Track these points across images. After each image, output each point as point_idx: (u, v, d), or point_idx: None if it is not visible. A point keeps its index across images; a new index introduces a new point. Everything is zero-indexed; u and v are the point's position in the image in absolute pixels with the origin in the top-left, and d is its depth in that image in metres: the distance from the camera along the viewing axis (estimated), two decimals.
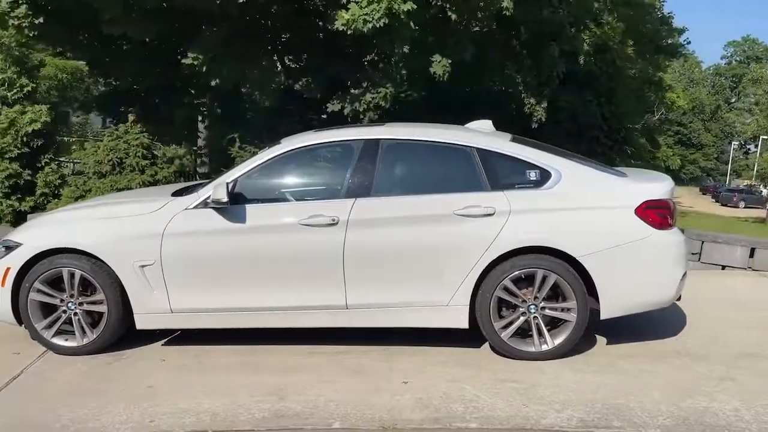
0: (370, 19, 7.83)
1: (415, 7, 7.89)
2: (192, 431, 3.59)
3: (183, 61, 8.28)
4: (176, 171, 9.63)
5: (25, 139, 9.65)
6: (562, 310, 4.43)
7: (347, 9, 7.93)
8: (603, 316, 4.48)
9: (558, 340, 4.45)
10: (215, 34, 8.29)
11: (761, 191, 50.30)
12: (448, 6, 8.21)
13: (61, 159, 10.05)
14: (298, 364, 4.45)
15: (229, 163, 9.09)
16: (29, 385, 4.19)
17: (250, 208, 4.49)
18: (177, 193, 4.80)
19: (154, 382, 4.19)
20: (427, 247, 4.40)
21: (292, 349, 4.69)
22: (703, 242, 6.97)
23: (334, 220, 4.39)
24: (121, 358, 4.57)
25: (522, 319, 4.45)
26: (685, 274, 4.59)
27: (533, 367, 4.38)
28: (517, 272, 4.39)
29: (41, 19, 8.54)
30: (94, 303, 4.54)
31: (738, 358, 4.56)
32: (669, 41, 23.90)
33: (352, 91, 8.61)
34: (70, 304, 4.54)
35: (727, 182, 67.00)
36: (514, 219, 4.39)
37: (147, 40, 8.73)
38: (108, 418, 3.71)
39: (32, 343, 4.70)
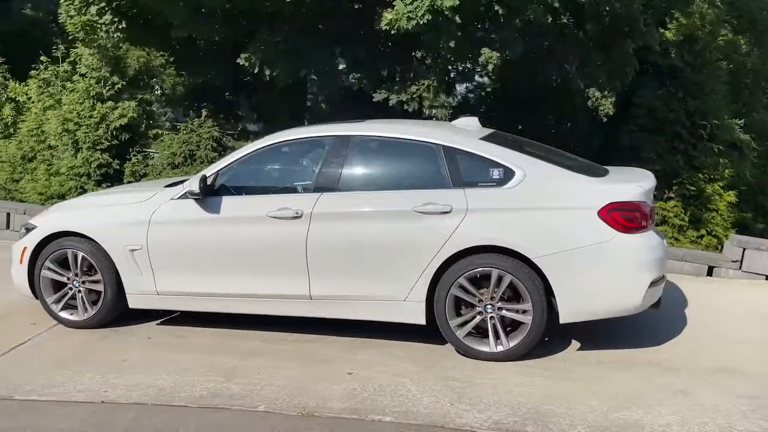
0: (414, 16, 7.88)
1: (458, 2, 7.87)
2: (134, 403, 3.92)
3: (238, 60, 8.76)
4: None
5: (114, 132, 10.56)
6: (519, 311, 4.37)
7: (392, 7, 8.04)
8: (562, 320, 4.37)
9: (513, 342, 4.39)
10: (268, 33, 8.70)
11: None
12: (495, 1, 8.10)
13: (147, 150, 10.89)
14: (264, 350, 4.68)
15: None
16: (28, 352, 4.71)
17: (226, 200, 4.78)
18: (170, 185, 5.18)
19: (130, 357, 4.59)
20: (386, 243, 4.49)
21: (268, 336, 4.92)
22: (744, 249, 6.48)
23: (297, 213, 4.58)
24: (114, 334, 5.01)
25: (478, 318, 4.43)
26: (656, 280, 4.37)
27: (486, 367, 4.36)
28: (472, 271, 4.38)
29: (124, 24, 9.35)
30: (93, 282, 5.02)
31: (712, 372, 4.28)
32: None
33: (396, 82, 8.74)
34: (74, 282, 5.04)
35: None
36: (471, 217, 4.38)
37: (216, 39, 9.30)
38: (72, 385, 4.12)
39: (49, 316, 5.26)
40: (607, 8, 9.37)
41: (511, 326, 4.44)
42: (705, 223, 10.40)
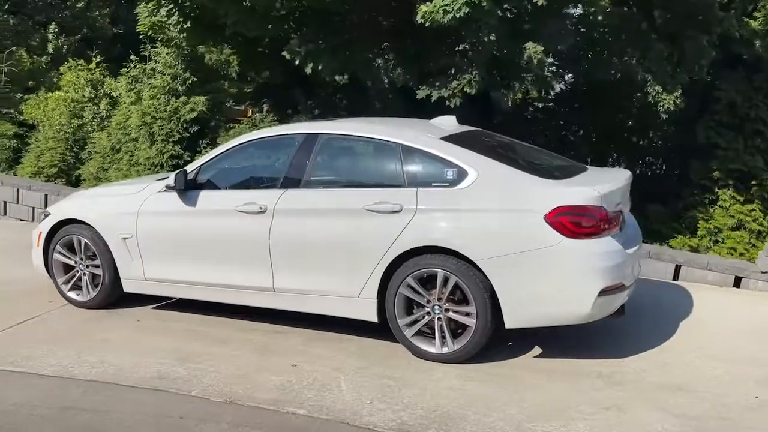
0: (450, 9, 7.82)
1: None
2: (89, 380, 4.24)
3: (283, 54, 9.06)
4: None
5: (185, 125, 11.24)
6: (465, 314, 4.32)
7: (430, 0, 8.01)
8: (507, 325, 4.28)
9: (458, 345, 4.35)
10: (315, 29, 8.92)
11: None
12: None
13: (216, 143, 11.51)
14: (232, 338, 4.89)
15: None
16: (32, 327, 5.18)
17: (204, 193, 5.04)
18: (162, 179, 5.51)
19: (111, 337, 4.96)
20: (340, 240, 4.58)
21: (245, 325, 5.12)
22: None
23: (262, 208, 4.76)
24: (110, 315, 5.41)
25: (427, 318, 4.43)
26: (610, 288, 4.17)
27: (429, 368, 4.35)
28: (419, 271, 4.38)
29: (188, 24, 9.94)
30: (95, 266, 5.44)
31: (662, 389, 4.04)
32: None
33: (438, 78, 8.68)
34: (80, 266, 5.50)
35: None
36: (420, 217, 4.37)
37: (269, 37, 9.66)
38: (48, 360, 4.50)
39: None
40: None
41: (461, 328, 4.40)
42: None
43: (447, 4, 7.86)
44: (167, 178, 5.42)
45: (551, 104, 11.16)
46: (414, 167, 4.55)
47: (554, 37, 8.60)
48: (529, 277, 4.18)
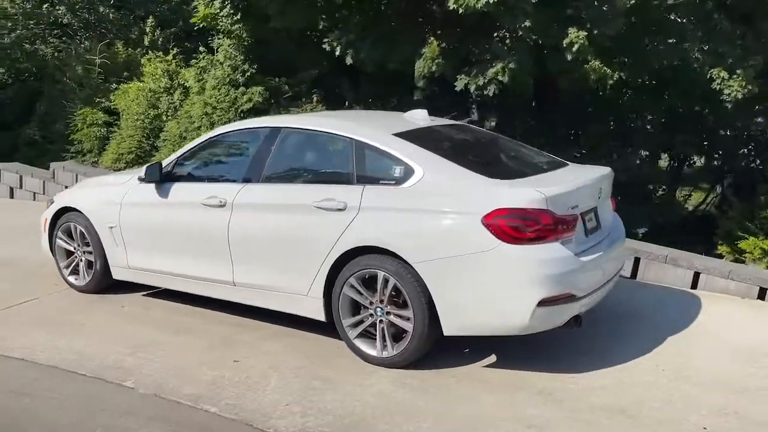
0: None
1: None
2: (49, 365, 4.36)
3: (323, 46, 9.04)
4: None
5: (242, 115, 11.52)
6: (404, 318, 4.14)
7: None
8: (445, 332, 4.06)
9: (398, 350, 4.19)
10: (356, 20, 8.83)
11: None
12: None
13: None
14: (195, 329, 4.93)
15: None
16: (26, 309, 5.44)
17: (176, 186, 5.11)
18: None
19: (89, 322, 5.14)
20: (290, 237, 4.51)
21: (213, 316, 5.12)
22: None
23: (222, 202, 4.77)
24: (102, 300, 5.60)
25: (370, 320, 4.29)
26: (554, 299, 3.86)
27: (369, 371, 4.21)
28: (361, 271, 4.24)
29: (239, 16, 10.16)
30: (89, 253, 5.69)
31: (600, 411, 3.71)
32: None
33: (475, 66, 8.35)
34: (78, 252, 5.77)
35: None
36: (363, 216, 4.23)
37: (314, 29, 9.70)
38: (21, 342, 4.71)
39: None
40: None
41: (404, 333, 4.23)
42: None
43: None
44: None
45: (608, 92, 10.51)
46: (364, 164, 4.40)
47: (599, 22, 8.04)
48: (465, 283, 3.94)
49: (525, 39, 8.16)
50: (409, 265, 4.04)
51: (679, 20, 8.90)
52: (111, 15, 20.24)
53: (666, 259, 5.95)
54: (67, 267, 5.84)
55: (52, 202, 5.98)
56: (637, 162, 10.56)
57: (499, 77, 8.25)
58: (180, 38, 17.71)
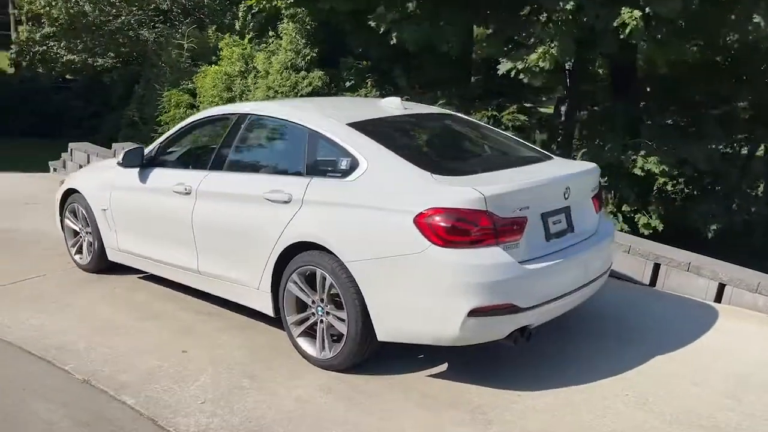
0: None
1: None
2: (8, 341, 4.49)
3: (369, 23, 8.81)
4: None
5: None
6: (340, 319, 3.91)
7: None
8: (378, 337, 3.79)
9: (334, 352, 3.96)
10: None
11: None
12: None
13: None
14: (166, 314, 4.91)
15: None
16: (27, 284, 5.59)
17: (154, 172, 5.10)
18: None
19: (75, 303, 5.22)
20: (242, 228, 4.38)
21: (189, 303, 5.06)
22: None
23: (187, 189, 4.71)
24: (99, 280, 5.69)
25: (312, 319, 4.09)
26: (489, 309, 3.49)
27: (302, 372, 4.02)
28: (303, 268, 4.04)
29: (291, 0, 10.15)
30: (90, 234, 5.83)
31: None
32: None
33: (519, 49, 7.84)
34: (82, 232, 5.92)
35: None
36: (305, 210, 4.02)
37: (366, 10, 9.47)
38: (3, 315, 4.88)
39: None
40: None
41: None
42: None
43: None
44: None
45: (680, 76, 9.63)
46: (316, 154, 4.19)
47: (655, 1, 7.32)
48: (396, 287, 3.65)
49: (570, 21, 7.57)
50: (344, 264, 3.79)
51: None
52: (207, 1, 20.93)
53: (688, 266, 5.33)
54: (73, 246, 6.01)
55: (62, 183, 6.17)
56: (722, 152, 9.66)
57: (540, 63, 7.72)
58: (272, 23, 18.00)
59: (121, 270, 5.74)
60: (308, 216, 3.98)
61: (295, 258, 4.07)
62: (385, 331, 3.74)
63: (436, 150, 4.29)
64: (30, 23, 25.01)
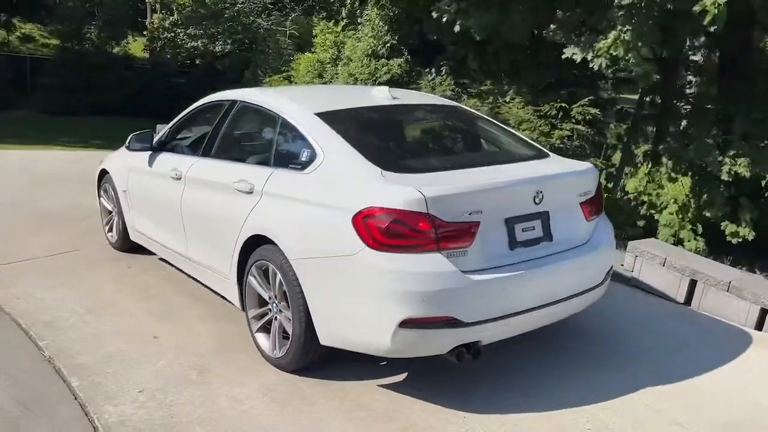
0: None
1: None
2: (5, 311, 4.69)
3: (432, 13, 8.44)
4: None
5: (379, 86, 11.42)
6: (289, 319, 3.72)
7: None
8: (321, 340, 3.57)
9: (282, 351, 3.79)
10: None
11: None
12: None
13: None
14: (158, 297, 4.94)
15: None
16: (60, 258, 5.82)
17: (159, 156, 5.14)
18: None
19: (87, 278, 5.37)
20: (215, 216, 4.30)
21: (195, 290, 5.05)
22: None
23: (177, 175, 4.70)
24: (121, 258, 5.84)
25: (269, 315, 3.94)
26: (416, 321, 3.18)
27: (253, 371, 3.88)
28: (259, 262, 3.89)
29: None
30: (117, 213, 6.00)
31: None
32: None
33: (590, 37, 7.16)
34: (113, 211, 6.10)
35: None
36: (263, 202, 3.86)
37: None
38: (22, 287, 5.05)
39: None
40: None
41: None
42: None
43: None
44: None
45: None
46: (283, 144, 4.02)
47: None
48: (334, 289, 3.41)
49: (649, 2, 6.83)
50: (289, 261, 3.60)
51: None
52: None
53: (728, 286, 4.67)
54: (106, 224, 6.21)
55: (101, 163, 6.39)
56: None
57: (612, 51, 7.05)
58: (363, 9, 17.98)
59: (147, 250, 5.86)
60: (265, 209, 3.83)
61: (255, 251, 3.92)
62: (327, 335, 3.52)
63: (402, 144, 3.99)
64: (163, 12, 26.58)
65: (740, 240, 8.20)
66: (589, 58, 7.27)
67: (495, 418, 3.37)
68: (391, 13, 11.44)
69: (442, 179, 3.40)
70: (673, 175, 8.14)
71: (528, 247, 3.51)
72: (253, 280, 3.96)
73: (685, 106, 9.51)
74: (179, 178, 4.67)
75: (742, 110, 8.50)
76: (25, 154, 12.61)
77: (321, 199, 3.52)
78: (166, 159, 5.07)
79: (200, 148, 4.74)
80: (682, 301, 4.95)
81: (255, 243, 3.91)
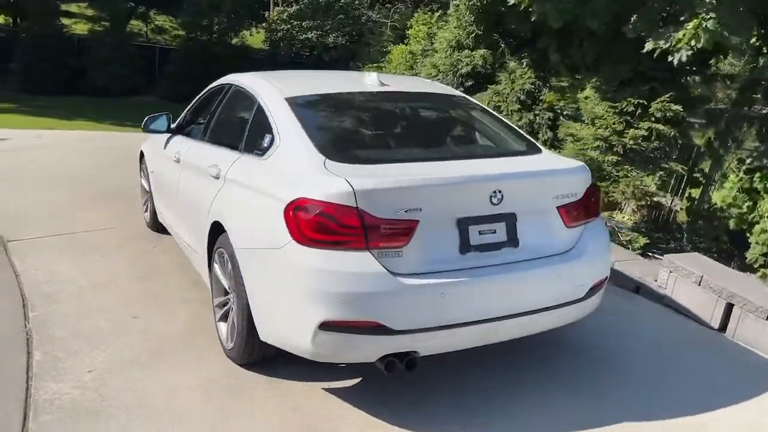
0: None
1: None
2: (21, 279, 4.89)
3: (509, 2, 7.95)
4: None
5: (461, 79, 11.05)
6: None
7: None
8: (260, 336, 3.37)
9: (231, 344, 3.64)
10: None
11: None
12: None
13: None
14: (160, 278, 4.98)
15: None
16: (94, 235, 5.97)
17: (173, 140, 5.14)
18: None
19: (111, 255, 5.47)
20: (194, 200, 4.24)
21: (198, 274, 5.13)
22: None
23: (176, 158, 4.67)
24: (150, 238, 5.94)
25: (228, 305, 3.80)
26: (337, 324, 2.91)
27: (200, 362, 3.76)
28: (219, 249, 3.76)
29: None
30: (150, 195, 6.09)
31: None
32: None
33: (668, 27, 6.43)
34: (149, 193, 6.21)
35: None
36: (225, 188, 3.73)
37: None
38: (47, 259, 5.28)
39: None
40: None
41: None
42: None
43: None
44: None
45: None
46: (255, 128, 3.85)
47: None
48: (265, 283, 3.21)
49: None
50: (234, 250, 3.44)
51: None
52: None
53: (758, 310, 4.02)
54: (144, 204, 6.35)
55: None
56: None
57: (692, 42, 6.33)
58: None
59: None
60: (223, 195, 3.70)
61: (219, 238, 3.80)
62: (264, 332, 3.33)
63: (363, 134, 3.68)
64: (282, 4, 27.36)
65: None
66: (665, 48, 6.56)
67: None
68: (479, 3, 10.99)
69: (383, 172, 3.10)
70: None
71: (484, 252, 3.13)
72: (216, 268, 3.84)
73: None
74: (179, 161, 4.64)
75: None
76: (134, 136, 13.34)
77: (265, 188, 3.33)
78: (175, 142, 5.07)
79: (199, 131, 4.69)
80: (717, 327, 4.32)
81: (219, 230, 3.78)
